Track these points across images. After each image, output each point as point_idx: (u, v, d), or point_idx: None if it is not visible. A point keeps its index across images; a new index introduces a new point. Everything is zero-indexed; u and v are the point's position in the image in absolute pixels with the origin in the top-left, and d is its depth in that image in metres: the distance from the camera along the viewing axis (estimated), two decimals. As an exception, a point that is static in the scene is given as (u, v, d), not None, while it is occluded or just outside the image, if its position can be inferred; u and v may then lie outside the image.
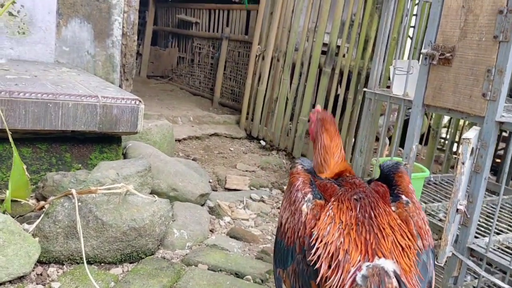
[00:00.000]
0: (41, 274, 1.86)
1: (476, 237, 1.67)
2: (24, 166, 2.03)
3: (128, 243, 2.02)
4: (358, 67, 3.42)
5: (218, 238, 2.42)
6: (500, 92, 1.44)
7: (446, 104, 1.61)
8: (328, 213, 1.16)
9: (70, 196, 1.99)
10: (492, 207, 2.03)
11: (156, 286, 1.88)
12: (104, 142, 2.63)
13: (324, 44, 3.89)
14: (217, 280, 1.99)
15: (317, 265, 1.06)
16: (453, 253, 1.51)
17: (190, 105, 5.37)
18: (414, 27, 3.07)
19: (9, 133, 2.00)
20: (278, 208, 3.01)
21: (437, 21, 1.64)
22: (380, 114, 3.07)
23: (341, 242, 1.07)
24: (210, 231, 2.54)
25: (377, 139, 3.42)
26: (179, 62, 7.09)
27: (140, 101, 2.56)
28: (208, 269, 2.09)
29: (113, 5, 3.74)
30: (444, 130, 4.33)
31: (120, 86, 3.90)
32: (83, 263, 1.88)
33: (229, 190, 3.27)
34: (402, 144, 2.01)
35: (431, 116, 3.31)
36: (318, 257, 1.08)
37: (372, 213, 1.14)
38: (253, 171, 3.70)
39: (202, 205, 2.79)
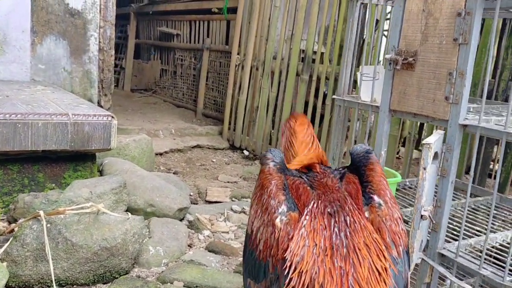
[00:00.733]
0: (9, 300, 1.82)
1: (448, 241, 1.65)
2: (-10, 189, 1.98)
3: (100, 264, 1.98)
4: (334, 73, 3.41)
5: (196, 253, 2.38)
6: (462, 95, 1.43)
7: (411, 108, 1.59)
8: (301, 233, 1.10)
9: (39, 218, 1.95)
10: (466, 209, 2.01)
11: (129, 306, 1.84)
12: (77, 160, 2.59)
13: (302, 51, 3.89)
14: (192, 297, 1.95)
15: None
16: (423, 259, 1.49)
17: (173, 118, 5.34)
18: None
19: (-26, 156, 1.96)
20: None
21: (399, 26, 1.63)
22: (358, 119, 3.06)
23: (316, 272, 1.02)
24: (189, 246, 2.50)
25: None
26: (162, 75, 7.07)
27: (112, 117, 2.52)
28: (183, 286, 2.05)
29: (89, 20, 3.72)
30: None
31: (99, 102, 3.86)
32: (53, 286, 1.83)
33: (210, 202, 3.24)
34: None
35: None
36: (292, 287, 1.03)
37: (347, 231, 1.09)
38: (235, 182, 3.67)
39: (181, 219, 2.75)
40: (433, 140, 1.34)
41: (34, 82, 3.46)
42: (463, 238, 1.62)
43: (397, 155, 4.48)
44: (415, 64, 1.57)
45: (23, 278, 1.88)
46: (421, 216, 1.31)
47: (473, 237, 1.70)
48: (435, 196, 1.52)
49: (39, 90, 3.08)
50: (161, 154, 4.10)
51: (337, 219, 1.11)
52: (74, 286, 1.97)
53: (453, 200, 2.08)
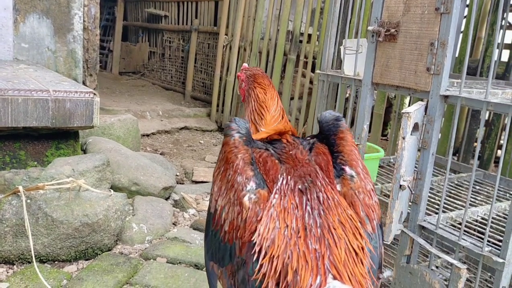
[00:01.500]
0: (-12, 275, 1.80)
1: (429, 214, 1.65)
2: (-32, 165, 1.95)
3: (82, 240, 1.96)
4: (322, 52, 3.38)
5: (180, 231, 2.37)
6: (444, 66, 1.41)
7: (393, 81, 1.58)
8: (270, 213, 0.99)
9: (19, 193, 1.92)
10: (450, 185, 2.01)
11: (110, 282, 1.83)
12: (60, 138, 2.55)
13: (290, 33, 3.86)
14: (175, 272, 1.94)
15: (263, 285, 0.93)
16: (403, 231, 1.49)
17: (161, 100, 5.29)
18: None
19: (-50, 131, 1.92)
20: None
21: (382, -3, 1.61)
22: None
23: (288, 257, 0.93)
24: (173, 224, 2.49)
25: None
26: (150, 57, 7.00)
27: (95, 94, 2.48)
28: (167, 262, 2.05)
29: (72, -1, 3.64)
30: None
31: (84, 82, 3.81)
32: (33, 262, 1.81)
33: (197, 182, 3.22)
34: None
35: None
36: (264, 274, 0.93)
37: (320, 209, 1.00)
38: (222, 162, 3.65)
39: (167, 198, 2.74)
40: (413, 109, 1.32)
41: (17, 61, 3.39)
42: (444, 212, 1.62)
43: (386, 137, 4.48)
44: (398, 35, 1.55)
45: (2, 253, 1.86)
46: (400, 186, 1.31)
47: (454, 210, 1.70)
48: (416, 169, 1.51)
49: (22, 69, 3.03)
50: (148, 135, 4.07)
51: (309, 196, 1.02)
52: (56, 262, 1.95)
53: (436, 176, 2.09)
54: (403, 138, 1.28)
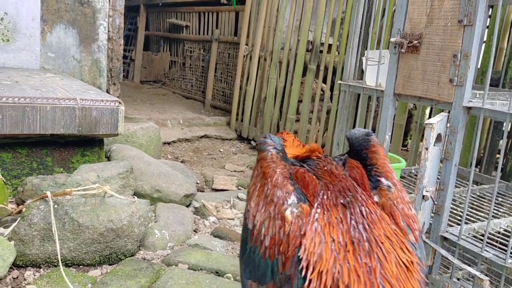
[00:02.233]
0: (17, 278, 1.85)
1: (452, 225, 1.65)
2: (-1, 170, 2.02)
3: (106, 245, 2.01)
4: (342, 62, 3.40)
5: (201, 238, 2.40)
6: (467, 77, 1.42)
7: (416, 92, 1.59)
8: (314, 227, 0.97)
9: (46, 199, 1.98)
10: (472, 196, 2.00)
11: (133, 287, 1.86)
12: (85, 145, 2.62)
13: (310, 42, 3.89)
14: (196, 278, 1.97)
15: None
16: (426, 242, 1.49)
17: (181, 108, 5.36)
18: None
19: (-17, 137, 1.99)
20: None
21: (405, 9, 1.63)
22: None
23: (338, 272, 0.90)
24: (194, 231, 2.52)
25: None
26: (171, 66, 7.10)
27: (120, 102, 2.55)
28: (188, 268, 2.07)
29: (98, 9, 3.74)
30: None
31: (108, 91, 3.90)
32: (60, 265, 1.86)
33: (217, 190, 3.26)
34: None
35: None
36: None
37: (365, 223, 0.98)
38: (241, 171, 3.69)
39: (188, 206, 2.77)
40: (436, 120, 1.33)
41: (44, 70, 3.49)
42: (467, 223, 1.62)
43: (406, 148, 4.46)
44: (420, 47, 1.57)
45: (30, 257, 1.91)
46: (423, 196, 1.31)
47: (477, 222, 1.69)
48: (438, 180, 1.52)
49: (48, 77, 3.12)
50: (169, 143, 4.12)
51: (352, 210, 1.00)
52: (80, 266, 2.00)
53: (458, 187, 2.08)
54: (426, 149, 1.29)
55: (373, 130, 3.47)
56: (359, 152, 1.15)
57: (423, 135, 3.42)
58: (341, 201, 1.02)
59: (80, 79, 3.58)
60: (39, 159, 2.51)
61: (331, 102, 3.54)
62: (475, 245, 1.44)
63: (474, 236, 1.62)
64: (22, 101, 2.29)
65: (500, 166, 1.49)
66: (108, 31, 3.89)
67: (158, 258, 2.15)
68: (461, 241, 1.46)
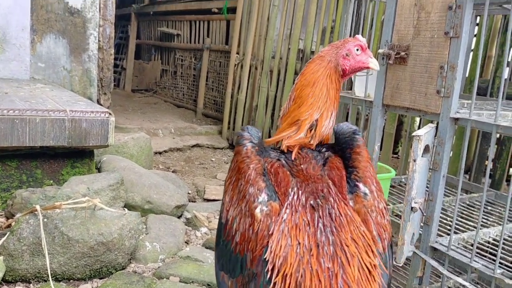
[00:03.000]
0: (5, 293, 1.83)
1: (441, 235, 1.66)
2: (-13, 184, 2.00)
3: (97, 258, 1.99)
4: (332, 71, 3.42)
5: (193, 250, 2.39)
6: (453, 88, 1.44)
7: (404, 103, 1.60)
8: (281, 229, 0.99)
9: (36, 212, 1.96)
10: (462, 205, 2.02)
11: (124, 301, 1.85)
12: (75, 156, 2.60)
13: (301, 51, 3.90)
14: (187, 291, 1.96)
15: None
16: (415, 253, 1.49)
17: (173, 117, 5.36)
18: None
19: (-29, 151, 1.97)
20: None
21: (392, 20, 1.64)
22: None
23: (301, 276, 0.93)
24: (186, 242, 2.51)
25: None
26: (162, 75, 7.10)
27: (110, 114, 2.54)
28: (180, 281, 2.06)
29: (88, 19, 3.73)
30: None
31: (98, 101, 3.88)
32: (50, 280, 1.84)
33: (208, 200, 3.25)
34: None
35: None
36: None
37: (332, 226, 1.00)
38: (233, 180, 3.68)
39: (179, 217, 2.76)
40: (423, 132, 1.34)
41: (34, 80, 3.48)
42: (456, 233, 1.63)
43: (397, 155, 4.48)
44: (408, 58, 1.58)
45: (19, 272, 1.89)
46: (412, 208, 1.32)
47: (466, 231, 1.70)
48: (427, 191, 1.53)
49: (38, 88, 3.10)
50: (160, 153, 4.11)
51: (321, 213, 1.01)
52: (71, 280, 1.98)
53: (447, 196, 2.09)
54: (414, 161, 1.30)
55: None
56: (344, 149, 1.14)
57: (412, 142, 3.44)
58: (311, 202, 1.03)
59: (70, 89, 3.57)
60: (29, 172, 2.49)
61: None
62: (465, 256, 1.44)
63: (464, 246, 1.63)
64: (11, 114, 2.27)
65: (487, 176, 1.50)
66: (99, 40, 3.88)
67: (149, 271, 2.14)
68: (451, 251, 1.47)
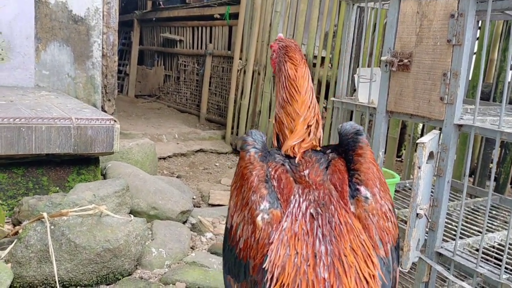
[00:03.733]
0: (14, 301, 1.84)
1: (447, 241, 1.67)
2: (-5, 192, 2.02)
3: (103, 265, 2.01)
4: (335, 76, 3.44)
5: (198, 255, 2.40)
6: (457, 95, 1.45)
7: (407, 109, 1.61)
8: (281, 238, 1.00)
9: (43, 220, 1.98)
10: (467, 210, 2.02)
11: (131, 307, 1.86)
12: (81, 163, 2.62)
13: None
14: (194, 297, 1.97)
15: None
16: (421, 258, 1.50)
17: (176, 123, 5.38)
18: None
19: (-21, 159, 1.99)
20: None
21: (395, 28, 1.66)
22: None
23: (298, 286, 0.94)
24: (191, 248, 2.52)
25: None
26: (165, 80, 7.13)
27: (115, 121, 2.56)
28: (186, 287, 2.08)
29: (92, 27, 3.76)
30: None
31: (103, 107, 3.91)
32: (57, 287, 1.86)
33: (213, 205, 3.26)
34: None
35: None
36: None
37: (332, 235, 1.00)
38: (237, 185, 3.69)
39: (184, 222, 2.78)
40: (428, 139, 1.36)
41: (39, 88, 3.50)
42: (461, 238, 1.64)
43: (400, 159, 4.48)
44: (411, 65, 1.60)
45: (27, 279, 1.91)
46: (417, 214, 1.33)
47: (471, 236, 1.71)
48: (432, 196, 1.54)
49: (43, 96, 3.13)
50: (164, 158, 4.13)
51: (320, 222, 1.01)
52: (78, 287, 1.99)
53: (452, 200, 2.10)
54: (419, 167, 1.31)
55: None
56: (347, 151, 1.14)
57: (416, 147, 3.46)
58: (311, 210, 1.03)
59: (74, 96, 3.59)
60: (35, 179, 2.51)
61: (325, 115, 3.57)
62: (470, 261, 1.45)
63: (469, 251, 1.63)
64: (18, 122, 2.30)
65: (492, 180, 1.51)
66: (102, 48, 3.91)
67: (156, 277, 2.15)
68: (456, 257, 1.48)
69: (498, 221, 1.96)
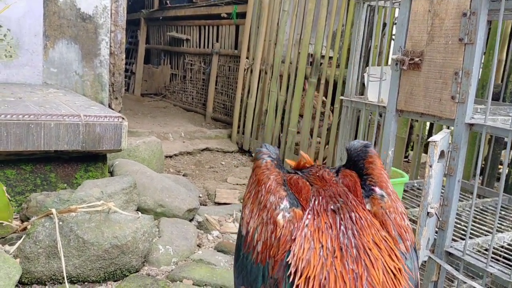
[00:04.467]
0: (22, 296, 1.85)
1: (456, 240, 1.66)
2: (4, 187, 2.03)
3: (111, 261, 2.01)
4: (343, 76, 3.43)
5: (205, 253, 2.41)
6: (468, 94, 1.44)
7: (418, 108, 1.61)
8: (304, 233, 0.99)
9: (51, 216, 1.99)
10: (475, 209, 2.02)
11: (139, 303, 1.87)
12: (89, 160, 2.63)
13: (311, 55, 3.92)
14: (201, 295, 1.97)
15: None
16: (430, 257, 1.50)
17: (182, 121, 5.39)
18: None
19: (-12, 155, 2.00)
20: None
21: (406, 27, 1.65)
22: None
23: (325, 278, 0.91)
24: (198, 246, 2.52)
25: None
26: (171, 79, 7.14)
27: (123, 118, 2.56)
28: (193, 284, 2.08)
29: (100, 25, 3.77)
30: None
31: (110, 105, 3.92)
32: (65, 282, 1.87)
33: (219, 204, 3.26)
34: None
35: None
36: None
37: (354, 229, 0.99)
38: (243, 184, 3.69)
39: (191, 220, 2.78)
40: (439, 138, 1.35)
41: (46, 85, 3.52)
42: (471, 238, 1.63)
43: (407, 159, 4.47)
44: (422, 64, 1.59)
45: (35, 274, 1.92)
46: (428, 213, 1.33)
47: (480, 236, 1.70)
48: (442, 196, 1.53)
49: (51, 93, 3.14)
50: (170, 156, 4.14)
51: (342, 216, 1.01)
52: (86, 283, 2.00)
53: (461, 201, 2.09)
54: (430, 166, 1.30)
55: (374, 144, 3.48)
56: (357, 162, 1.16)
57: (425, 147, 3.45)
58: (331, 206, 1.03)
59: (82, 94, 3.61)
60: (43, 175, 2.52)
61: (333, 115, 3.56)
62: (480, 260, 1.45)
63: (478, 251, 1.63)
64: (27, 118, 2.31)
65: (503, 180, 1.50)
66: (110, 46, 3.92)
67: (163, 274, 2.15)
68: (466, 256, 1.47)
69: (508, 222, 1.95)
